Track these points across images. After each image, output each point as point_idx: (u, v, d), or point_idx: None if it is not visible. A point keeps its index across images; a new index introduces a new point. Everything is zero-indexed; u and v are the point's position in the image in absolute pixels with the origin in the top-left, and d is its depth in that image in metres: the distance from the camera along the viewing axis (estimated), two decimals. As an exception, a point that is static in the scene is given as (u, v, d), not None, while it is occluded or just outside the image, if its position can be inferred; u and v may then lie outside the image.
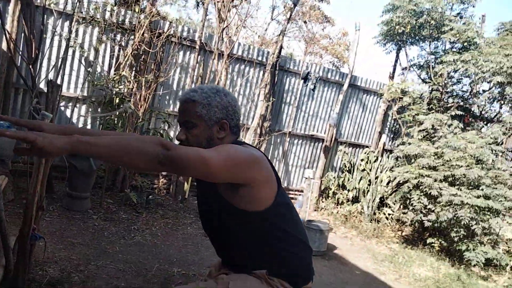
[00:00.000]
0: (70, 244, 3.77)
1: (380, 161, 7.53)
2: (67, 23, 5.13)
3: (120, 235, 4.30)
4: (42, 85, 4.92)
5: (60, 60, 4.92)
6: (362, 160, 7.51)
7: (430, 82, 6.83)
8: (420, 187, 5.52)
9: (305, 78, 6.74)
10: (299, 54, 17.78)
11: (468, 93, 6.95)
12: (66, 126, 1.46)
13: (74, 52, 5.20)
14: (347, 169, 7.61)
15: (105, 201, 5.12)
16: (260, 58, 6.59)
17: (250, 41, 15.03)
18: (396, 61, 7.84)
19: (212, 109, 1.51)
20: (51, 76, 5.14)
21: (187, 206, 5.89)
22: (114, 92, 5.01)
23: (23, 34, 4.84)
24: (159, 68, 5.62)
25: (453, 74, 6.85)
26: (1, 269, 2.71)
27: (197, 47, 5.91)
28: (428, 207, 5.43)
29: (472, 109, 6.86)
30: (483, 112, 6.90)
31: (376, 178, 7.20)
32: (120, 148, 1.16)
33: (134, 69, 5.45)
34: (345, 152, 7.60)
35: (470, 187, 5.11)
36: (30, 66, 4.23)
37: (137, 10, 5.26)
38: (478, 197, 4.84)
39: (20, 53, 4.53)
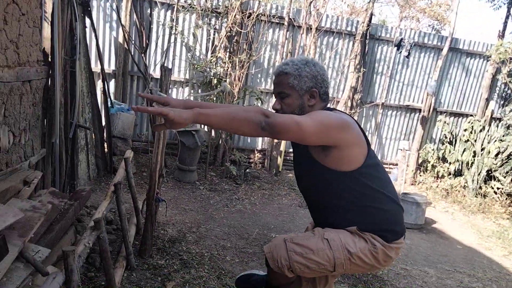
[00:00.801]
0: (183, 210, 4.33)
1: (488, 130, 6.88)
2: (168, 13, 5.66)
3: (224, 204, 4.76)
4: (151, 71, 5.57)
5: (165, 47, 5.48)
6: (465, 130, 6.96)
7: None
8: (536, 157, 4.97)
9: (398, 45, 6.42)
10: (393, 20, 16.64)
11: None
12: (186, 100, 1.75)
13: (175, 39, 5.72)
14: (448, 140, 7.13)
15: (209, 174, 5.66)
16: (349, 29, 6.44)
17: (339, 12, 14.55)
18: (507, 17, 6.97)
19: (303, 79, 1.68)
20: (158, 62, 5.77)
21: (281, 179, 6.19)
22: (212, 74, 5.43)
23: (134, 27, 5.50)
24: (250, 48, 5.89)
25: None
26: (134, 226, 3.29)
27: (286, 23, 6.03)
28: (546, 179, 4.88)
29: None
30: None
31: (483, 149, 6.63)
32: (230, 117, 1.41)
33: (228, 50, 5.80)
34: (445, 122, 7.11)
35: None
36: (142, 55, 4.82)
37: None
38: None
39: (133, 43, 5.15)
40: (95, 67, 5.09)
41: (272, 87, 1.82)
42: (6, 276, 1.52)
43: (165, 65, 5.42)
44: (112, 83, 5.62)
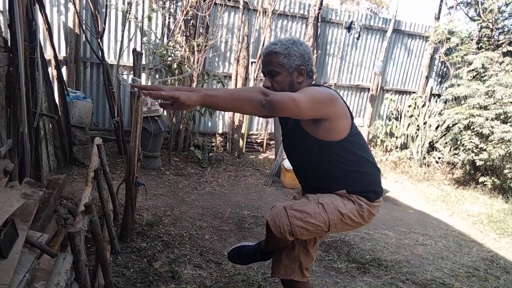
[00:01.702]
0: (154, 195, 4.33)
1: (428, 106, 7.54)
2: (121, -4, 5.48)
3: (193, 187, 4.83)
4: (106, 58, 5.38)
5: (120, 32, 5.32)
6: (409, 106, 7.55)
7: (479, 20, 6.61)
8: (471, 127, 5.58)
9: (349, 28, 6.75)
10: (335, 4, 17.20)
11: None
12: (177, 87, 1.82)
13: (129, 23, 5.56)
14: (395, 116, 7.70)
15: (173, 159, 5.66)
16: (302, 12, 6.65)
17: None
18: (441, 0, 7.57)
19: (292, 58, 1.81)
20: (113, 48, 5.59)
21: (245, 161, 6.34)
22: (170, 58, 5.38)
23: (84, 11, 5.26)
24: (207, 32, 5.89)
25: (504, 8, 6.58)
26: (111, 212, 3.28)
27: (241, 6, 6.08)
28: (480, 146, 5.51)
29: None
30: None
31: (425, 123, 7.26)
32: (234, 98, 1.51)
33: (185, 34, 5.76)
34: (391, 99, 7.65)
35: (524, 123, 5.12)
36: (99, 40, 4.66)
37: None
38: (533, 131, 4.88)
39: (88, 28, 4.94)
40: (46, 54, 4.82)
41: (261, 67, 1.93)
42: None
43: (121, 51, 5.27)
44: (63, 70, 5.36)
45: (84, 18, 5.26)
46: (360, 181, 1.87)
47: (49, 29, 4.40)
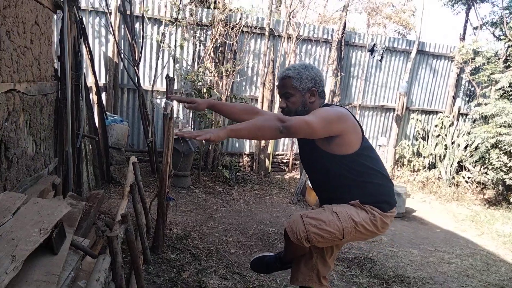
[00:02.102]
0: (183, 212, 4.57)
1: (456, 125, 7.48)
2: (155, 27, 5.94)
3: (220, 204, 5.03)
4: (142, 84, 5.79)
5: (154, 60, 5.75)
6: (436, 126, 7.52)
7: (505, 39, 6.60)
8: (499, 146, 5.51)
9: (372, 50, 6.92)
10: (361, 27, 17.42)
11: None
12: (208, 100, 2.08)
13: (163, 52, 5.99)
14: (421, 136, 7.67)
15: (202, 178, 5.92)
16: (325, 36, 6.89)
17: (310, 20, 15.17)
18: (466, 21, 7.62)
19: (304, 81, 2.02)
20: (148, 75, 6.02)
21: (270, 180, 6.51)
22: (201, 83, 5.72)
23: (123, 41, 5.74)
24: (235, 57, 6.23)
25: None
26: (144, 225, 3.52)
27: (267, 33, 6.40)
28: (509, 165, 5.42)
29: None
30: None
31: (453, 142, 7.20)
32: (255, 128, 1.74)
33: (214, 60, 6.12)
34: (417, 119, 7.65)
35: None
36: (135, 68, 5.06)
37: (212, 7, 5.88)
38: (563, 150, 4.78)
39: (126, 57, 5.39)
40: (88, 81, 5.28)
41: (278, 90, 2.15)
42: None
43: (155, 77, 5.68)
44: (103, 96, 5.81)
45: (122, 48, 5.73)
46: (372, 192, 2.01)
47: (91, 59, 4.84)
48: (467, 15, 7.61)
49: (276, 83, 2.18)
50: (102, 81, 5.84)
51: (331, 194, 2.10)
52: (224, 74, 5.94)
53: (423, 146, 7.43)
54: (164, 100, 3.54)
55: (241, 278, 3.12)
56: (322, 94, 2.09)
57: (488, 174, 5.92)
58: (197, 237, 3.84)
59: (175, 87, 6.11)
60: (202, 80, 5.84)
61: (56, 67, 3.29)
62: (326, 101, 2.14)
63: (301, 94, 2.03)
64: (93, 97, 5.18)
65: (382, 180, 2.03)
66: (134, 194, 2.94)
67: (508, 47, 6.79)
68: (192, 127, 5.94)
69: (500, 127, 5.59)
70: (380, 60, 7.02)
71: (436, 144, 7.31)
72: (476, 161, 6.32)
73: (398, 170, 7.60)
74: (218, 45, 6.12)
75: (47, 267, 1.47)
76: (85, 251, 1.88)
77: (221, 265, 3.30)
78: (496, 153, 5.56)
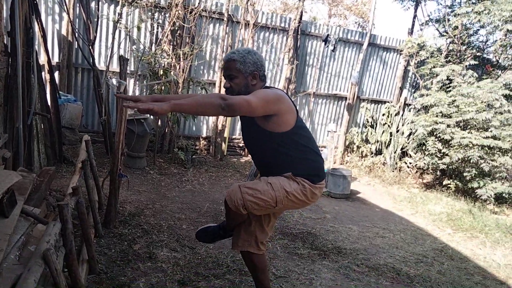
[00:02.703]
0: (137, 191, 4.67)
1: (402, 114, 8.00)
2: (112, 7, 5.87)
3: (174, 185, 5.18)
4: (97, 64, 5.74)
5: (110, 40, 5.71)
6: (383, 114, 8.01)
7: (446, 35, 7.14)
8: (435, 133, 6.04)
9: (326, 40, 7.22)
10: (323, 17, 17.83)
11: (484, 43, 7.21)
12: (152, 95, 2.22)
13: (119, 32, 5.95)
14: (370, 124, 8.15)
15: (157, 160, 6.01)
16: (283, 25, 7.11)
17: (273, 8, 15.34)
18: (414, 17, 8.12)
19: (247, 65, 2.22)
20: (103, 55, 5.96)
21: (226, 163, 6.71)
22: (157, 65, 5.77)
23: (77, 20, 5.64)
24: (193, 41, 6.30)
25: (469, 25, 7.12)
26: (96, 203, 3.62)
27: (225, 19, 6.52)
28: (443, 151, 5.96)
29: (489, 58, 7.14)
30: (500, 61, 7.17)
31: (398, 131, 7.72)
32: (197, 104, 1.91)
33: (171, 43, 6.16)
34: (367, 108, 8.11)
35: (480, 130, 5.58)
36: (90, 47, 5.03)
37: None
38: (486, 138, 5.33)
39: (81, 36, 5.31)
40: (40, 59, 5.17)
41: (223, 71, 2.33)
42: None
43: (110, 58, 5.65)
44: (56, 75, 5.69)
45: (77, 27, 5.63)
46: (304, 166, 2.26)
47: (44, 36, 4.76)
48: (415, 11, 8.11)
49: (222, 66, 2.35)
50: (55, 60, 5.72)
51: (268, 168, 2.33)
52: (181, 57, 6.01)
53: (371, 134, 7.91)
54: (117, 80, 3.62)
55: (191, 251, 3.32)
56: (263, 77, 2.30)
57: (424, 159, 6.45)
58: (149, 214, 3.98)
59: (132, 68, 6.11)
60: (158, 62, 5.88)
61: (6, 43, 3.27)
62: (282, 88, 2.35)
63: (244, 77, 2.23)
64: (46, 75, 5.09)
65: (313, 156, 2.29)
66: (86, 170, 3.03)
67: (449, 43, 7.35)
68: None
69: (436, 116, 6.11)
70: (333, 50, 7.35)
71: (383, 132, 7.81)
72: (416, 148, 6.86)
73: (348, 156, 8.06)
74: (176, 28, 6.16)
75: (-2, 227, 1.59)
76: (36, 218, 2.00)
77: (172, 239, 3.48)
78: (432, 140, 6.08)
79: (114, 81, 5.94)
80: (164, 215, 4.03)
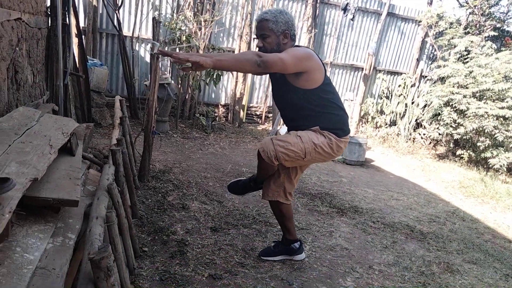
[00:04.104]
0: (163, 152, 4.92)
1: (417, 86, 8.06)
2: (135, -27, 5.95)
3: (197, 148, 5.41)
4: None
5: (136, 7, 5.82)
6: (399, 86, 8.08)
7: (466, 6, 7.08)
8: (450, 104, 6.13)
9: (345, 9, 7.22)
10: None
11: (505, 14, 7.14)
12: (191, 53, 2.37)
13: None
14: (385, 95, 8.23)
15: (179, 125, 6.23)
16: (302, -7, 7.11)
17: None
18: (435, -13, 8.00)
19: (279, 24, 2.36)
20: (127, 21, 6.08)
21: (244, 130, 6.91)
22: (179, 32, 5.89)
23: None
24: (214, 8, 6.38)
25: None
26: (132, 156, 3.86)
27: (245, -14, 6.55)
28: (458, 121, 6.07)
29: (509, 30, 7.10)
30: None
31: (413, 102, 7.80)
32: (236, 60, 2.08)
33: (193, 10, 6.25)
34: (383, 79, 8.16)
35: (496, 101, 5.66)
36: (116, 12, 5.16)
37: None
38: (502, 108, 5.42)
39: (107, 1, 5.44)
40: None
41: (255, 31, 2.47)
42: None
43: (135, 23, 5.78)
44: (82, 40, 5.86)
45: (101, -8, 5.75)
46: (330, 120, 2.44)
47: (73, 0, 4.89)
48: (436, -19, 7.99)
49: (254, 26, 2.49)
50: (81, 25, 5.86)
51: (296, 122, 2.51)
52: (202, 24, 6.11)
53: (386, 104, 8.01)
54: (151, 41, 3.77)
55: (219, 204, 3.57)
56: (293, 37, 2.44)
57: (439, 129, 6.57)
58: (178, 172, 4.23)
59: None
60: (181, 29, 6.00)
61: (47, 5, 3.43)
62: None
63: (276, 36, 2.37)
64: (74, 39, 5.25)
65: (339, 111, 2.46)
66: (124, 125, 3.25)
67: (469, 14, 7.29)
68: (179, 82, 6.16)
69: (453, 87, 6.18)
70: (352, 19, 7.35)
71: (398, 103, 7.90)
72: (430, 118, 6.97)
73: (362, 126, 8.19)
74: (197, -5, 6.23)
75: (70, 162, 1.82)
76: (92, 160, 2.23)
77: (201, 193, 3.74)
78: (448, 111, 6.18)
79: (138, 47, 6.08)
80: (191, 173, 4.28)
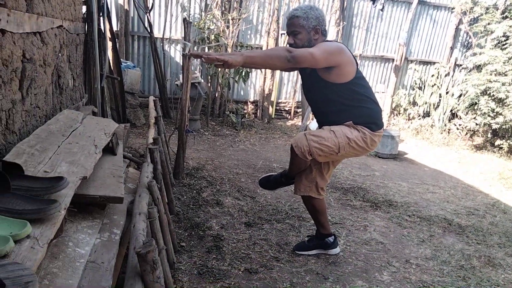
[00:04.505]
0: (196, 150, 5.03)
1: (452, 75, 7.78)
2: (163, -25, 6.08)
3: (228, 145, 5.49)
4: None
5: (165, 8, 5.96)
6: (432, 75, 7.83)
7: (505, -11, 6.76)
8: (488, 92, 5.89)
9: (374, 0, 7.07)
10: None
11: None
12: (222, 53, 2.42)
13: (171, 1, 6.17)
14: (418, 86, 8.00)
15: (210, 123, 6.34)
16: (329, -14, 7.02)
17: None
18: (469, -29, 7.68)
19: (309, 20, 2.36)
20: (157, 23, 6.24)
21: (273, 126, 6.94)
22: (207, 31, 5.98)
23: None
24: (241, 6, 6.42)
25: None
26: (167, 154, 3.97)
27: (272, -18, 6.54)
28: (496, 110, 5.83)
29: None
30: None
31: (447, 92, 7.55)
32: (267, 56, 2.12)
33: (220, 9, 6.31)
34: (415, 69, 7.94)
35: (539, 87, 5.40)
36: (147, 15, 5.30)
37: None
38: (545, 95, 5.17)
39: (137, 4, 5.60)
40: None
41: (286, 28, 2.49)
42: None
43: (165, 25, 5.91)
44: (115, 43, 6.06)
45: (132, -4, 5.91)
46: (363, 114, 2.42)
47: (106, 5, 5.07)
48: (470, -35, 7.66)
49: (285, 24, 2.50)
50: (114, 29, 6.06)
51: (329, 117, 2.50)
52: (230, 22, 6.17)
53: (419, 95, 7.79)
54: (182, 41, 3.87)
55: (252, 200, 3.63)
56: (324, 32, 2.44)
57: (476, 119, 6.33)
58: (210, 169, 4.32)
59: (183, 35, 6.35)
60: (209, 28, 6.08)
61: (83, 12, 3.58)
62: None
63: (307, 32, 2.38)
64: (108, 42, 5.45)
65: (372, 105, 2.44)
66: (159, 124, 3.36)
67: (507, -3, 6.95)
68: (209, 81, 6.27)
69: (490, 74, 5.93)
70: (382, 10, 7.19)
71: (432, 94, 7.67)
72: (467, 108, 6.72)
73: (394, 118, 8.02)
74: (225, -7, 6.29)
75: (113, 161, 1.91)
76: (131, 159, 2.33)
77: (234, 189, 3.80)
78: (485, 99, 5.95)
79: (168, 48, 6.22)
80: (224, 170, 4.35)
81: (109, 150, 2.02)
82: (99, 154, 1.68)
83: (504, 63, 5.86)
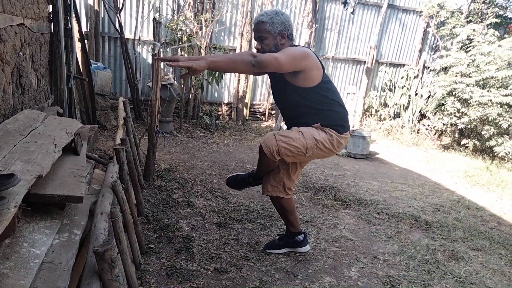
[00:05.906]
0: (168, 152, 4.98)
1: (421, 77, 8.03)
2: (134, -24, 6.01)
3: (201, 146, 5.46)
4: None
5: (136, 9, 5.88)
6: (402, 77, 8.05)
7: (468, -5, 7.04)
8: (454, 93, 6.11)
9: (344, 3, 7.22)
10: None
11: (507, 1, 7.09)
12: (189, 57, 2.41)
13: (143, 1, 6.10)
14: (388, 87, 8.21)
15: (183, 125, 6.29)
16: (301, -11, 7.12)
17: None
18: (435, -23, 7.96)
19: (275, 25, 2.39)
20: (128, 24, 6.15)
21: (248, 128, 6.95)
22: (180, 32, 5.94)
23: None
24: (214, 7, 6.42)
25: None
26: (137, 155, 3.92)
27: (244, -16, 6.57)
28: (461, 110, 6.05)
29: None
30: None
31: (416, 94, 7.78)
32: (231, 61, 2.12)
33: (193, 10, 6.29)
34: (386, 72, 8.15)
35: (499, 88, 5.63)
36: (118, 16, 5.22)
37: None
38: (506, 95, 5.39)
39: (107, 4, 5.51)
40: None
41: (253, 34, 2.51)
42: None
43: (136, 26, 5.84)
44: (84, 44, 5.93)
45: (101, -4, 5.81)
46: (330, 117, 2.47)
47: (74, 5, 4.96)
48: (436, -30, 7.94)
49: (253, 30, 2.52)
50: (83, 29, 5.93)
51: (298, 120, 2.53)
52: (203, 23, 6.15)
53: (390, 97, 7.99)
54: (151, 42, 3.83)
55: (224, 200, 3.62)
56: (291, 36, 2.47)
57: (443, 120, 6.55)
58: (182, 171, 4.29)
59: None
60: (182, 29, 6.04)
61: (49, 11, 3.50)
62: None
63: (273, 37, 2.41)
64: (77, 43, 5.33)
65: (339, 108, 2.49)
66: (127, 125, 3.31)
67: (471, 2, 7.24)
68: (182, 82, 6.21)
69: (456, 76, 6.16)
70: (352, 13, 7.35)
71: (401, 95, 7.88)
72: (434, 109, 6.94)
73: (366, 120, 8.19)
74: (197, -5, 6.27)
75: (74, 161, 1.87)
76: (97, 160, 2.29)
77: (206, 191, 3.79)
78: (451, 100, 6.16)
79: (140, 49, 6.14)
80: (196, 172, 4.33)
81: (71, 150, 1.97)
82: (58, 153, 1.64)
83: (468, 65, 6.10)
